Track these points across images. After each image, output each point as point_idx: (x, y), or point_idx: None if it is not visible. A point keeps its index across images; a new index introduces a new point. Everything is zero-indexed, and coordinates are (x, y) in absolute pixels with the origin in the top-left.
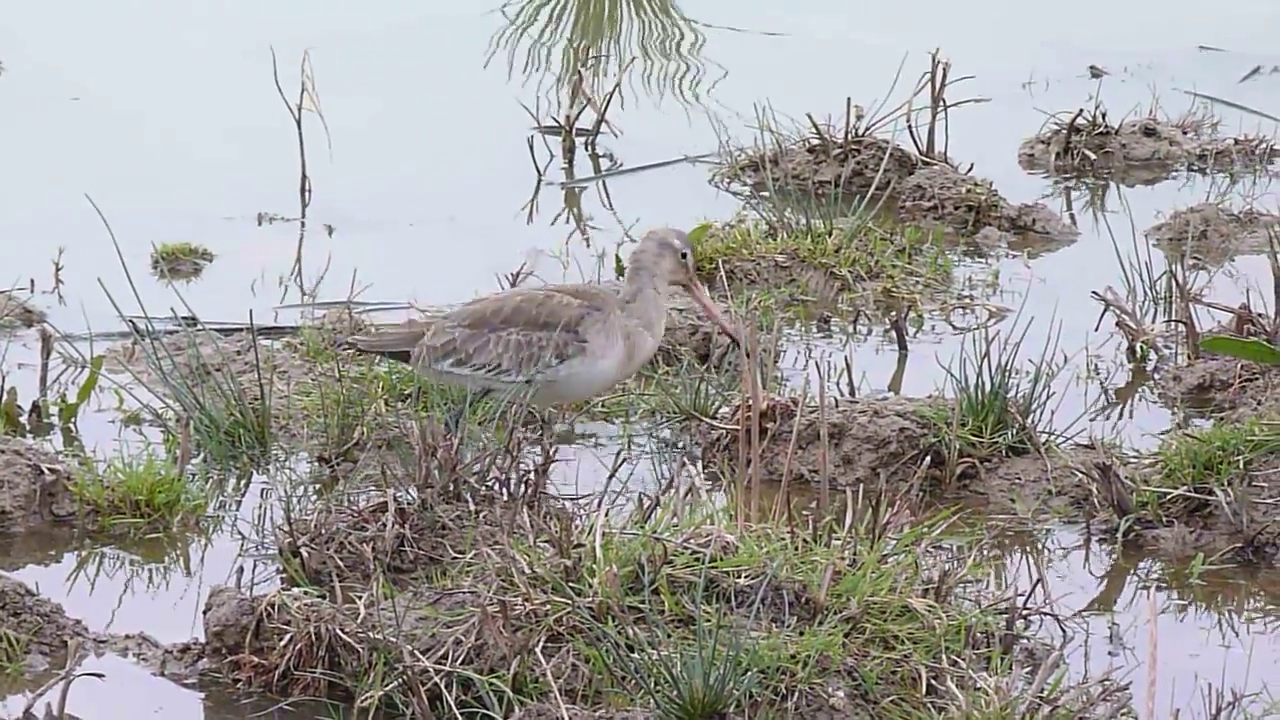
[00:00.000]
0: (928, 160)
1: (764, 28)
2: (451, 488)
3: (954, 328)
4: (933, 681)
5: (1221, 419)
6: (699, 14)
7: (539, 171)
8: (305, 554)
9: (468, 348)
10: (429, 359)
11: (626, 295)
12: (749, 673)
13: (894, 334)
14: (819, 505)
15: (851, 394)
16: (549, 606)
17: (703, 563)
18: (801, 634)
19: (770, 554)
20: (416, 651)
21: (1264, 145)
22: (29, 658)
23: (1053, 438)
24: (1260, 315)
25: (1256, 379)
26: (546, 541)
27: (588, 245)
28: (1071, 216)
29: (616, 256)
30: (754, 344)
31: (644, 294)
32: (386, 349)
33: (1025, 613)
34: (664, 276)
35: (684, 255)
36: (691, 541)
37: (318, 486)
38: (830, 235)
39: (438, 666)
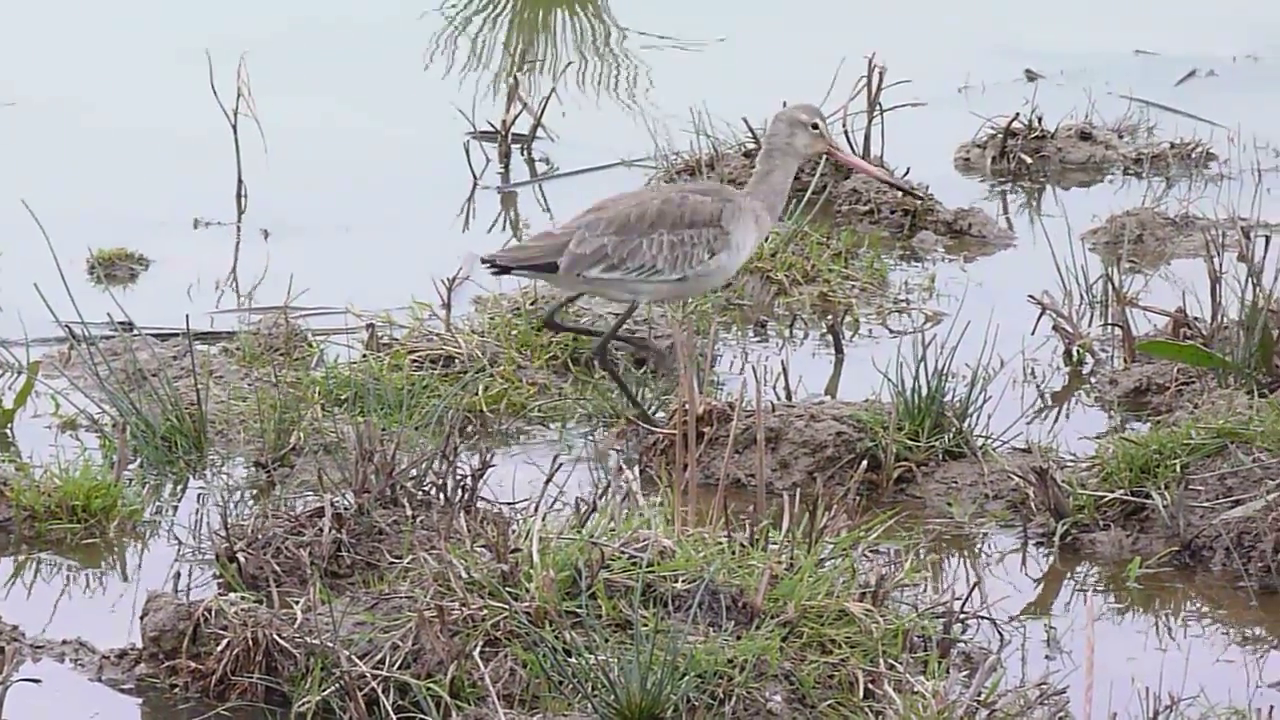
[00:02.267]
0: None
1: (700, 32)
2: (388, 493)
3: (890, 332)
4: (870, 685)
5: (1158, 422)
6: (634, 19)
7: (475, 176)
8: (242, 559)
9: (620, 252)
10: (579, 267)
11: (756, 177)
12: (686, 677)
13: (830, 338)
14: (756, 509)
15: (788, 398)
16: (486, 611)
17: (640, 567)
18: (739, 638)
19: (707, 558)
20: (353, 656)
21: (1200, 149)
22: None
23: (989, 441)
24: (1196, 319)
25: (1193, 382)
26: (483, 546)
27: None
28: (1008, 220)
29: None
30: (691, 349)
31: (772, 176)
32: (532, 262)
33: (962, 617)
34: (799, 153)
35: (814, 126)
36: (628, 546)
37: (254, 492)
38: (766, 239)
39: (375, 671)
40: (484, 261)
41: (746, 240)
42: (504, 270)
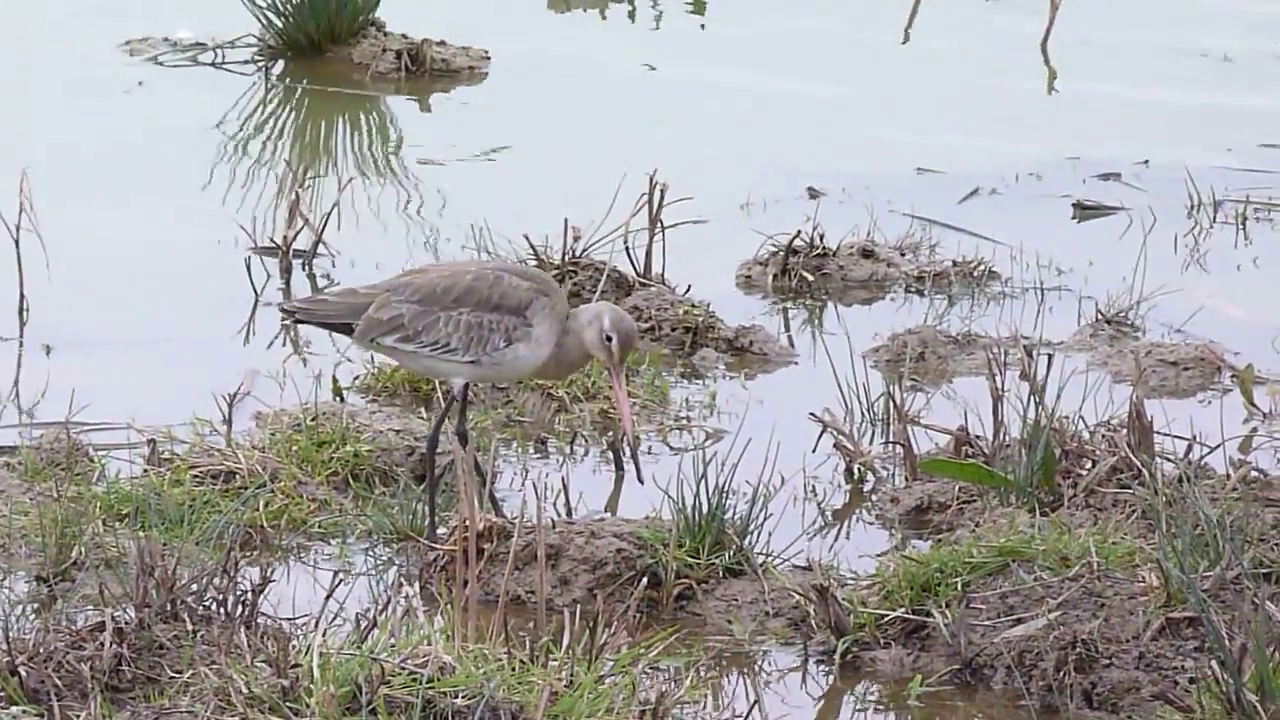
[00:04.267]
0: (645, 281)
1: (483, 149)
2: (169, 607)
3: (671, 449)
4: None
5: (939, 541)
6: (416, 135)
7: (256, 292)
8: (24, 673)
9: (416, 325)
10: (374, 332)
11: (574, 314)
12: None
13: (611, 455)
14: (536, 626)
15: (569, 515)
16: None
17: (420, 683)
18: None
19: (487, 674)
20: None
21: (982, 267)
22: None
23: (770, 559)
24: (978, 437)
25: (974, 501)
26: (264, 661)
27: (304, 366)
28: (789, 338)
29: (334, 378)
30: (472, 464)
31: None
32: (328, 320)
33: None
34: (586, 340)
35: (609, 337)
36: (409, 662)
37: (36, 606)
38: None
39: None
40: (282, 310)
41: (550, 339)
42: (301, 322)
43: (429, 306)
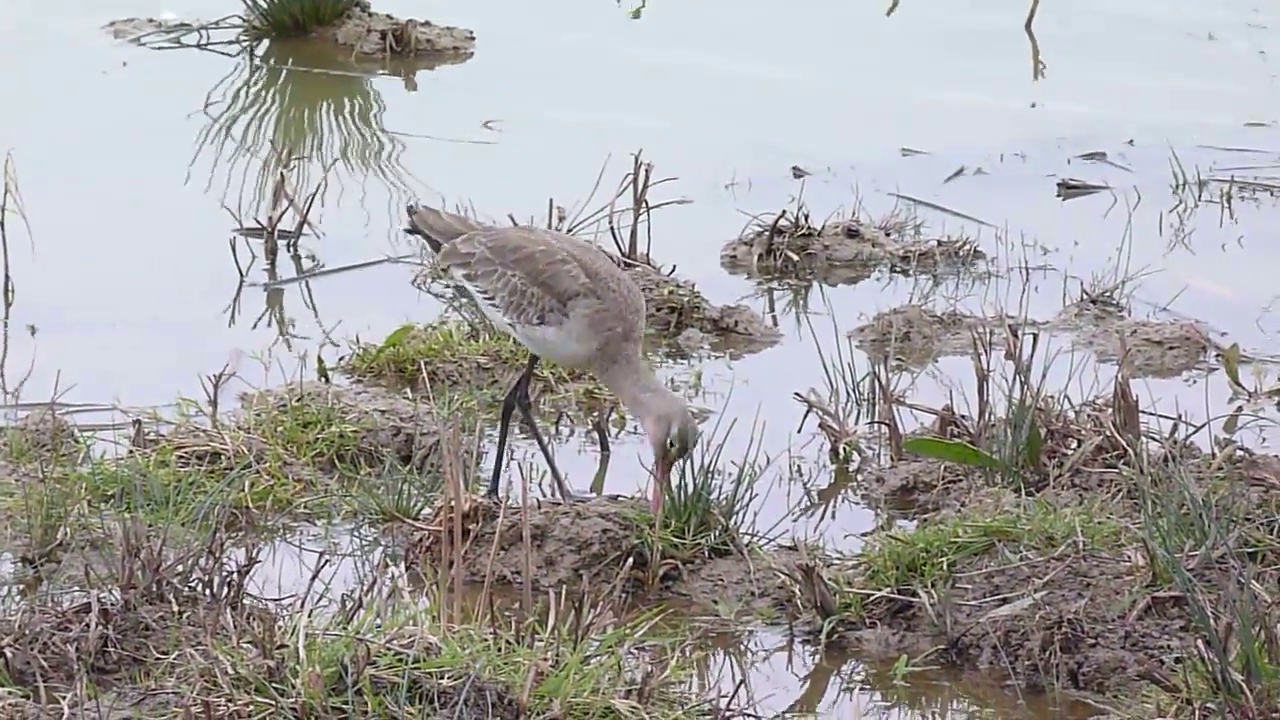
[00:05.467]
0: (630, 262)
1: (469, 129)
2: (155, 589)
3: None
4: None
5: (925, 520)
6: (400, 116)
7: (241, 273)
8: (9, 654)
9: (479, 269)
10: (449, 260)
11: (641, 370)
12: None
13: (596, 435)
14: (522, 606)
15: (561, 492)
16: (252, 707)
17: (406, 664)
18: None
19: (473, 655)
20: None
21: (967, 246)
22: None
23: (756, 539)
24: (963, 416)
25: (960, 480)
26: (250, 642)
27: (289, 347)
28: (774, 318)
29: (319, 359)
30: (457, 444)
31: (636, 374)
32: (430, 234)
33: (728, 714)
34: (651, 434)
35: (673, 444)
36: (394, 643)
37: (21, 587)
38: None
39: None
40: (408, 208)
41: (587, 338)
42: (414, 230)
43: (495, 257)
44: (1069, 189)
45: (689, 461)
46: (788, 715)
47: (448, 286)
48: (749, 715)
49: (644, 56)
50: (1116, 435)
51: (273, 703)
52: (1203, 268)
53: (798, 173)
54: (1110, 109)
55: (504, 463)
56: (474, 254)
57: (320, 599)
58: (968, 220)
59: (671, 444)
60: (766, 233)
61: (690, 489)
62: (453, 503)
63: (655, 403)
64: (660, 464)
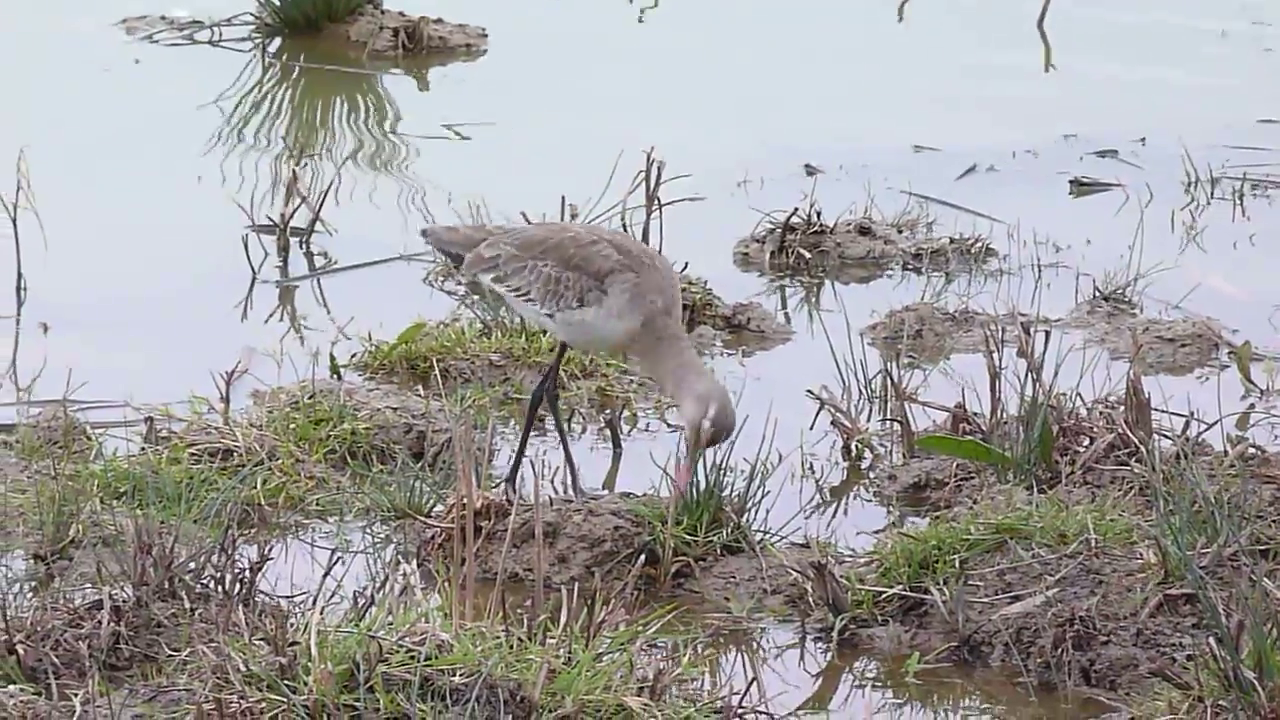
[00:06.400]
0: None
1: (480, 125)
2: (167, 585)
3: (668, 426)
4: None
5: (937, 518)
6: (414, 120)
7: (254, 270)
8: (21, 651)
9: (508, 268)
10: (476, 268)
11: (686, 357)
12: None
13: (609, 432)
14: (534, 604)
15: (574, 489)
16: (264, 704)
17: (418, 661)
18: None
19: (485, 652)
20: None
21: (979, 244)
22: None
23: (768, 536)
24: (976, 414)
25: (972, 478)
26: (262, 639)
27: (302, 344)
28: (786, 315)
29: (331, 356)
30: (469, 441)
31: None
32: (449, 248)
33: (740, 711)
34: (687, 414)
35: (709, 426)
36: (406, 640)
37: (33, 584)
38: (544, 335)
39: None
40: (421, 233)
41: (629, 314)
42: (430, 245)
43: (523, 253)
44: (1081, 186)
45: (702, 459)
46: (800, 712)
47: (459, 283)
48: (761, 712)
49: (656, 54)
50: (1129, 433)
51: (285, 700)
52: (1215, 265)
53: (810, 170)
54: (1122, 106)
55: (523, 456)
56: (500, 255)
57: (332, 596)
58: (980, 217)
59: (709, 425)
60: (779, 230)
61: (703, 486)
62: (465, 500)
63: (696, 382)
64: (692, 447)
